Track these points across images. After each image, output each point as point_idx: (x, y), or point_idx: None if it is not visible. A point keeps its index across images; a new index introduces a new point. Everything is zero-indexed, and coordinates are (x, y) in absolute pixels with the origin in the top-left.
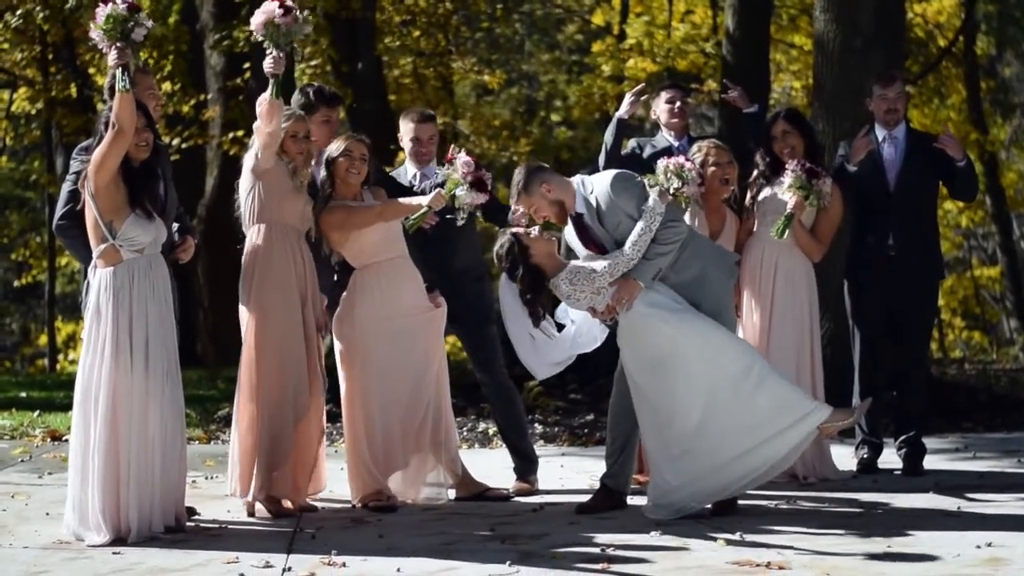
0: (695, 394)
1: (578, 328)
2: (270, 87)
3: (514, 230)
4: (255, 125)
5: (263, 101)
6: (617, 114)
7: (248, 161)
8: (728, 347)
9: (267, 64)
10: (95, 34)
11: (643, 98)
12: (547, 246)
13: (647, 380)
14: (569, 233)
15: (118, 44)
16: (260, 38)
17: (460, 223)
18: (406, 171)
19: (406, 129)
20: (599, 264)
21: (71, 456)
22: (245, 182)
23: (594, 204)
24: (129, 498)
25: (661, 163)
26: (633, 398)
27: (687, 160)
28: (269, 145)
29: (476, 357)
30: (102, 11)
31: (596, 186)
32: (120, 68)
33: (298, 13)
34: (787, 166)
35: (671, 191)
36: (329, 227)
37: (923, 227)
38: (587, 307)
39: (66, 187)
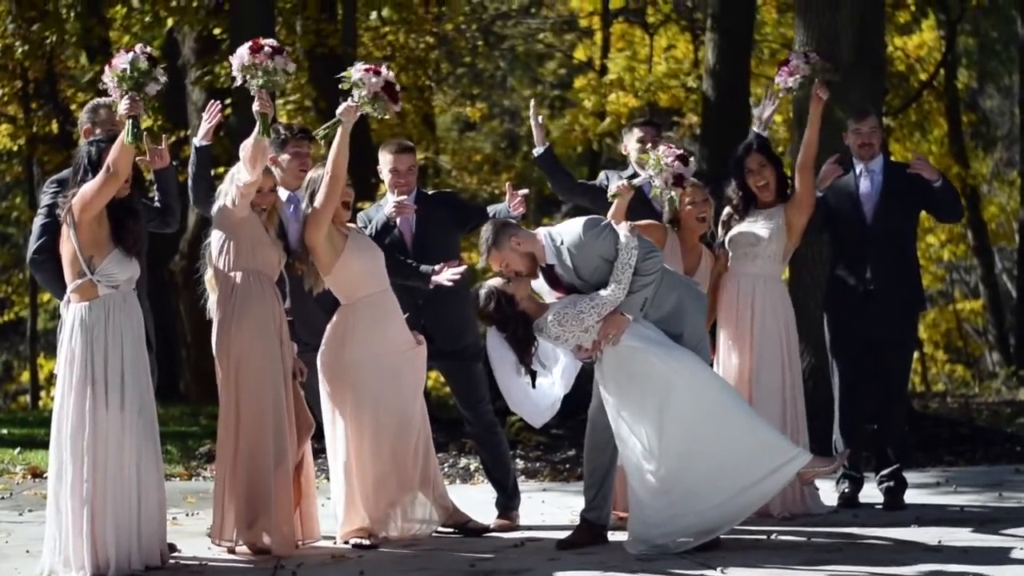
0: (679, 431)
1: (552, 370)
2: (257, 126)
3: (492, 282)
4: (234, 174)
5: (247, 146)
6: (535, 152)
7: (221, 210)
8: (713, 387)
9: (255, 104)
10: (108, 79)
11: (540, 120)
12: (527, 289)
13: (631, 414)
14: (540, 285)
15: (131, 94)
16: (241, 82)
17: (381, 117)
18: (387, 201)
19: (384, 160)
20: (585, 304)
21: (49, 493)
22: (218, 231)
23: (566, 254)
24: (107, 534)
25: (662, 148)
26: (615, 433)
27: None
28: (246, 195)
29: (462, 395)
30: (123, 59)
31: (566, 236)
32: (130, 119)
33: (269, 49)
34: (786, 71)
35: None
36: (314, 235)
37: (902, 258)
38: (574, 346)
39: (38, 221)
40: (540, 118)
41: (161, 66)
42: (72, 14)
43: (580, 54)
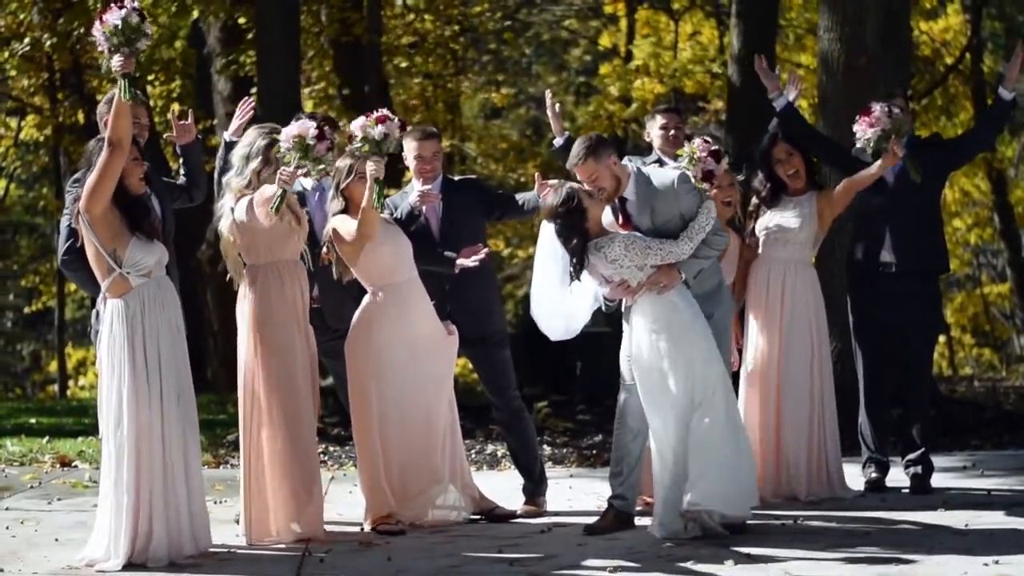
0: (681, 400)
1: (578, 293)
2: (275, 198)
3: (574, 185)
4: (256, 202)
5: (262, 203)
6: (554, 143)
7: (238, 215)
8: (721, 383)
9: (283, 174)
10: (98, 33)
11: (557, 110)
12: (599, 213)
13: (648, 368)
14: (606, 214)
15: (123, 50)
16: (284, 150)
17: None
18: (413, 188)
19: (409, 147)
20: (655, 243)
21: (101, 484)
22: (234, 234)
23: (651, 195)
24: (154, 524)
25: (696, 142)
26: (640, 394)
27: (706, 157)
28: (267, 219)
29: (489, 381)
30: (114, 16)
31: (655, 179)
32: (125, 76)
33: (331, 143)
34: (867, 122)
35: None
36: (340, 244)
37: (926, 225)
38: (622, 278)
39: (64, 222)
40: (557, 107)
41: (148, 21)
42: (98, 4)
43: (605, 41)
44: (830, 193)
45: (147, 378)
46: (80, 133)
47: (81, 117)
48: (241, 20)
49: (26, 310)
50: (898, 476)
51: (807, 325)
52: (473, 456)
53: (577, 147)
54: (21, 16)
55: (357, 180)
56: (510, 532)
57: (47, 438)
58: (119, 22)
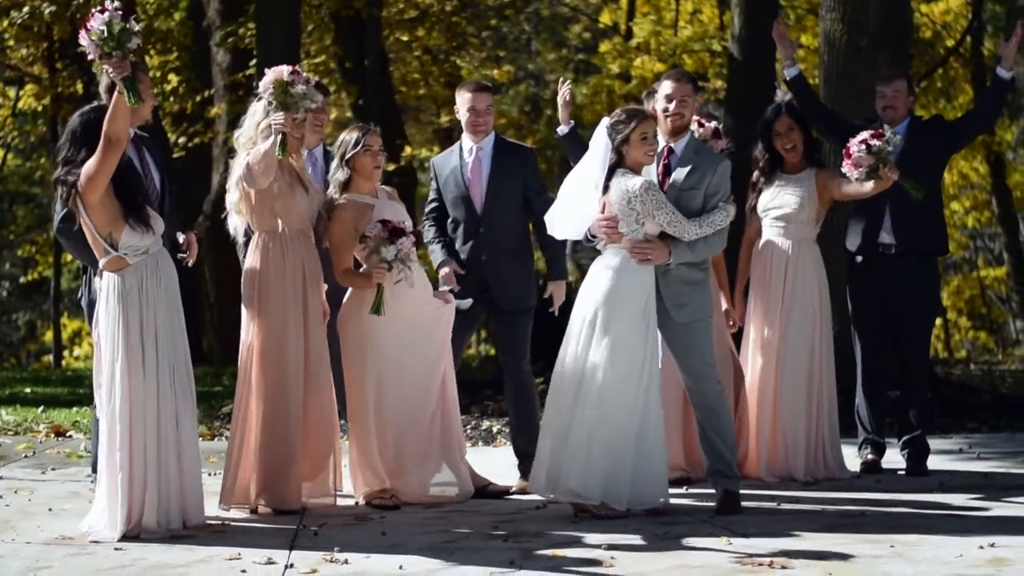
0: (601, 370)
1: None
2: (274, 142)
3: (647, 115)
4: (241, 175)
5: (258, 159)
6: (559, 130)
7: (237, 176)
8: (651, 390)
9: (276, 120)
10: (86, 42)
11: (568, 98)
12: (644, 160)
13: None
14: (648, 171)
15: (116, 55)
16: (268, 100)
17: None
18: (461, 145)
19: (462, 100)
20: (670, 207)
21: (100, 455)
22: (237, 195)
23: (697, 157)
24: (146, 495)
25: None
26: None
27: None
28: (265, 175)
29: (508, 346)
30: (99, 22)
31: (707, 147)
32: (124, 81)
33: (308, 78)
34: (850, 164)
35: None
36: (335, 225)
37: (925, 205)
38: (616, 215)
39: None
40: (568, 96)
41: (133, 16)
42: None
43: (605, 18)
44: (829, 173)
45: (142, 353)
46: (79, 103)
47: (80, 87)
48: None
49: (22, 280)
50: (894, 458)
51: (809, 305)
52: (468, 432)
53: (676, 71)
54: None
55: (363, 153)
56: (505, 508)
57: (42, 408)
58: (104, 27)
